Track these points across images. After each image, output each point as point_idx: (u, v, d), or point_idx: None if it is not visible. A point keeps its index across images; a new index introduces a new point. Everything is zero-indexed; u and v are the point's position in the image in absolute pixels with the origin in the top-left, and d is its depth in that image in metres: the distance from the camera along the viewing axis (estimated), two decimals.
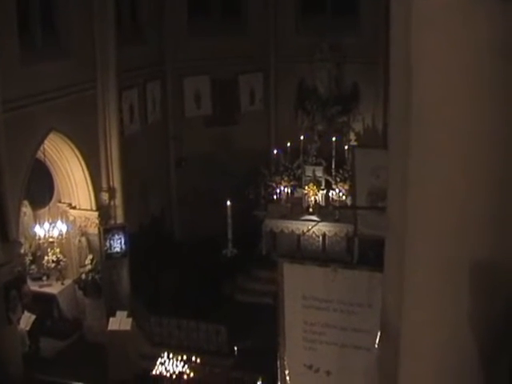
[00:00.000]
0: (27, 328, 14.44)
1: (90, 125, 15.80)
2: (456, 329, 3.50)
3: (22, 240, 14.63)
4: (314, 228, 17.39)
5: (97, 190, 16.15)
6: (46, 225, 15.78)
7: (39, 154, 14.74)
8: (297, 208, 18.48)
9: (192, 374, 13.44)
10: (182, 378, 13.40)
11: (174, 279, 17.33)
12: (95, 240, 16.18)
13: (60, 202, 16.41)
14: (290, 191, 18.76)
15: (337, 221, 17.76)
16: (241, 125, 20.46)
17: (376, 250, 10.59)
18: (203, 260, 17.57)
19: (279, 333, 8.55)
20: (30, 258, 16.14)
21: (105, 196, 16.30)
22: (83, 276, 15.95)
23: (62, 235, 15.86)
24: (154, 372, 13.52)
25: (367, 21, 19.09)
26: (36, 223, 16.04)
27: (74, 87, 15.05)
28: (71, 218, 16.26)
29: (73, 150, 15.50)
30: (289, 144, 18.89)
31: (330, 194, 18.33)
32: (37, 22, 14.56)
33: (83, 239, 16.17)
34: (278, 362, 8.70)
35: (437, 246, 3.52)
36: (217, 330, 15.40)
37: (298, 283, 8.29)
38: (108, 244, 16.11)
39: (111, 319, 14.97)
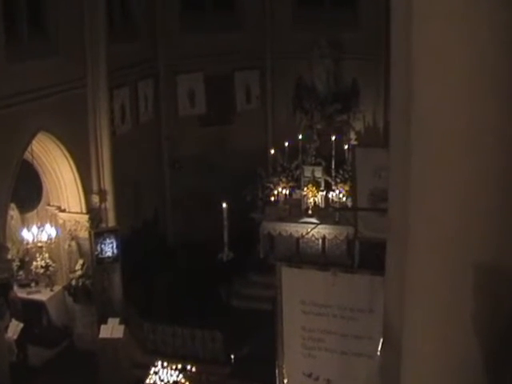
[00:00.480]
0: (15, 337, 14.34)
1: (79, 124, 15.80)
2: (459, 332, 3.54)
3: (9, 245, 14.55)
4: (314, 231, 17.27)
5: (87, 192, 16.09)
6: (35, 229, 15.63)
7: (27, 155, 14.62)
8: (295, 210, 18.41)
9: None
10: None
11: (168, 285, 17.39)
12: (86, 244, 16.07)
13: (49, 204, 16.30)
14: (288, 192, 18.72)
15: (337, 223, 17.69)
16: (236, 124, 20.53)
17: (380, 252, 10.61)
18: (198, 264, 17.56)
19: (277, 340, 8.49)
20: (18, 263, 15.97)
21: (95, 198, 16.23)
22: (73, 282, 15.82)
23: (51, 239, 15.74)
24: (147, 381, 13.39)
25: (367, 14, 19.22)
26: (24, 227, 15.90)
27: (63, 85, 14.97)
28: (60, 222, 16.14)
29: (62, 151, 15.39)
30: (286, 144, 18.86)
31: (330, 196, 18.28)
32: (23, 16, 14.38)
33: (73, 243, 16.05)
34: (277, 371, 8.65)
35: (439, 248, 3.56)
36: (213, 337, 15.35)
37: (296, 288, 8.24)
38: (99, 248, 15.99)
39: (103, 326, 14.85)
